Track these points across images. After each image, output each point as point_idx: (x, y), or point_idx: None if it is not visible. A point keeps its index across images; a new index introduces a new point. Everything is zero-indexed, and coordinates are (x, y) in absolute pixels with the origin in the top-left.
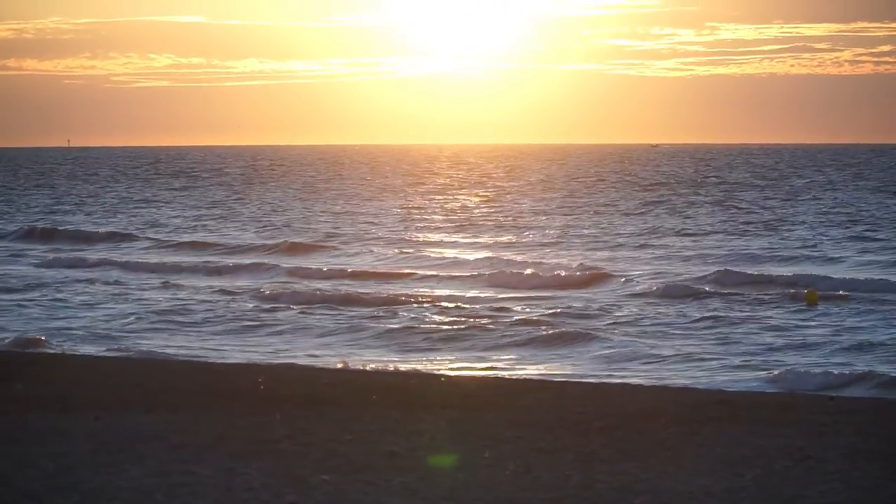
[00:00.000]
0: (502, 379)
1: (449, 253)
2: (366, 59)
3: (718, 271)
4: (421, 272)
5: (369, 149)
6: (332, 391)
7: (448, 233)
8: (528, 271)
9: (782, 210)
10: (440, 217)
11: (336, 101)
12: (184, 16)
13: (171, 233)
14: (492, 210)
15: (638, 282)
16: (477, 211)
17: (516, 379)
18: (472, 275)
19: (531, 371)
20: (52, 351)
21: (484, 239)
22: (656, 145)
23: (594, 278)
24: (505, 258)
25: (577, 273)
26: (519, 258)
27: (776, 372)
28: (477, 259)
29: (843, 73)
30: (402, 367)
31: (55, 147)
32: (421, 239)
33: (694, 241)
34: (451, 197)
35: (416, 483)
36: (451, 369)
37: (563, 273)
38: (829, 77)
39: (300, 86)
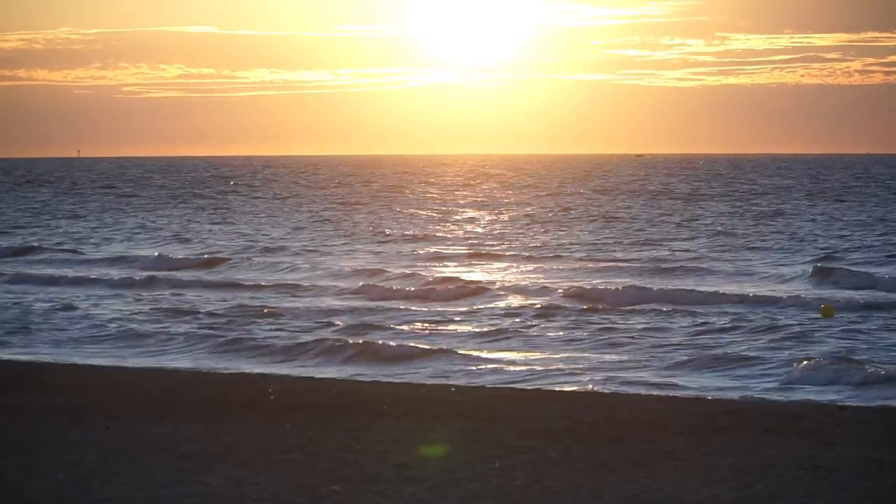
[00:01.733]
0: (512, 389)
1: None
2: (375, 70)
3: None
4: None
5: (384, 159)
6: (342, 401)
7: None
8: (396, 286)
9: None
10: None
11: (346, 111)
12: (194, 26)
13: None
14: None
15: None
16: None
17: (526, 389)
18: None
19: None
20: (62, 362)
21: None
22: (640, 155)
23: (470, 292)
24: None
25: (450, 287)
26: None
27: None
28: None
29: (854, 82)
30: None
31: (65, 157)
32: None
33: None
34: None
35: (426, 493)
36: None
37: (437, 287)
38: (840, 87)
39: (310, 96)
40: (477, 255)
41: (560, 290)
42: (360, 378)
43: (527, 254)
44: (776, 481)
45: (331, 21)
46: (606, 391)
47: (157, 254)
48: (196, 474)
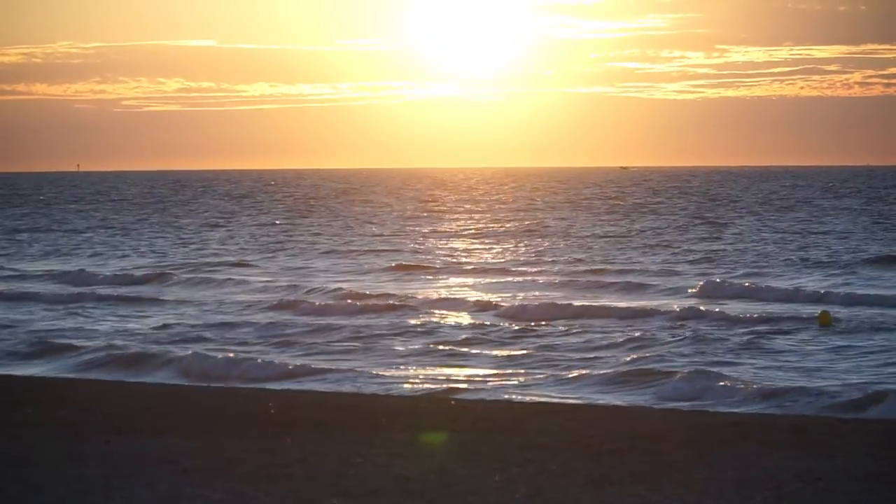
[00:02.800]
0: (513, 402)
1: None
2: (375, 83)
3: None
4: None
5: (384, 172)
6: (342, 415)
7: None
8: (317, 301)
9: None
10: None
11: (346, 125)
12: (194, 40)
13: None
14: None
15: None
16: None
17: (527, 402)
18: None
19: None
20: (62, 376)
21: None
22: (625, 168)
23: (389, 307)
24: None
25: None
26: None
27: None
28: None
29: (853, 94)
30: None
31: (65, 172)
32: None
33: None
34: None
35: None
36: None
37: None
38: (839, 99)
39: (310, 109)
40: (402, 268)
41: (468, 303)
42: (358, 392)
43: (455, 267)
44: (776, 494)
45: (330, 35)
46: (607, 404)
47: (78, 269)
48: (197, 488)
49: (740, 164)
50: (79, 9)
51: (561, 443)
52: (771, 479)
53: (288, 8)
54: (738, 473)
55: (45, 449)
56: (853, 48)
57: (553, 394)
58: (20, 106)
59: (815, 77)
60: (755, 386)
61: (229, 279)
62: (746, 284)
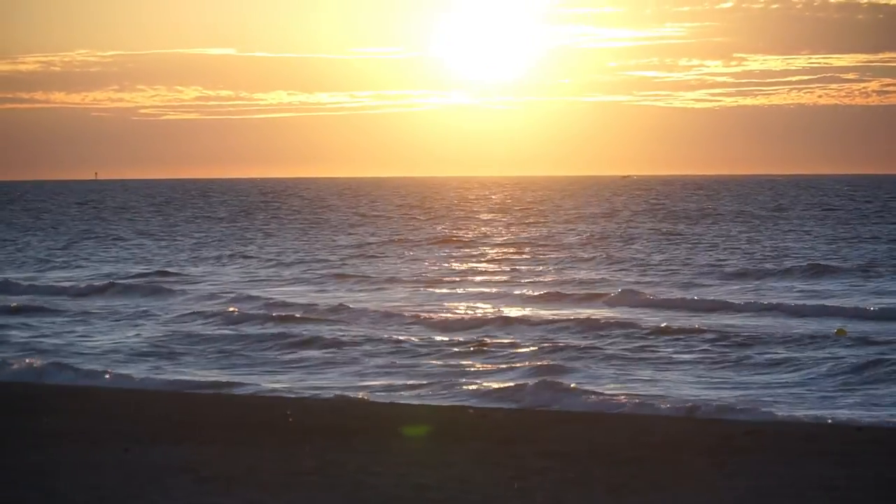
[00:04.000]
0: (531, 410)
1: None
2: (393, 92)
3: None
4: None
5: (410, 181)
6: (361, 423)
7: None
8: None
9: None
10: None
11: (364, 133)
12: (212, 48)
13: None
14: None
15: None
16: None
17: (545, 410)
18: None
19: None
20: (81, 384)
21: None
22: (627, 176)
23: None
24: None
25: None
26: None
27: None
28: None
29: (871, 103)
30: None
31: (83, 180)
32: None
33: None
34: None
35: None
36: None
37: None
38: (857, 107)
39: (328, 118)
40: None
41: (372, 313)
42: (376, 400)
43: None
44: (794, 502)
45: (348, 43)
46: (626, 412)
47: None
48: (215, 496)
49: (757, 173)
50: (97, 17)
51: (580, 451)
52: (789, 488)
53: (306, 17)
54: (756, 482)
55: (65, 457)
56: (871, 57)
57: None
58: (38, 114)
59: (833, 86)
60: (593, 396)
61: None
62: (664, 296)
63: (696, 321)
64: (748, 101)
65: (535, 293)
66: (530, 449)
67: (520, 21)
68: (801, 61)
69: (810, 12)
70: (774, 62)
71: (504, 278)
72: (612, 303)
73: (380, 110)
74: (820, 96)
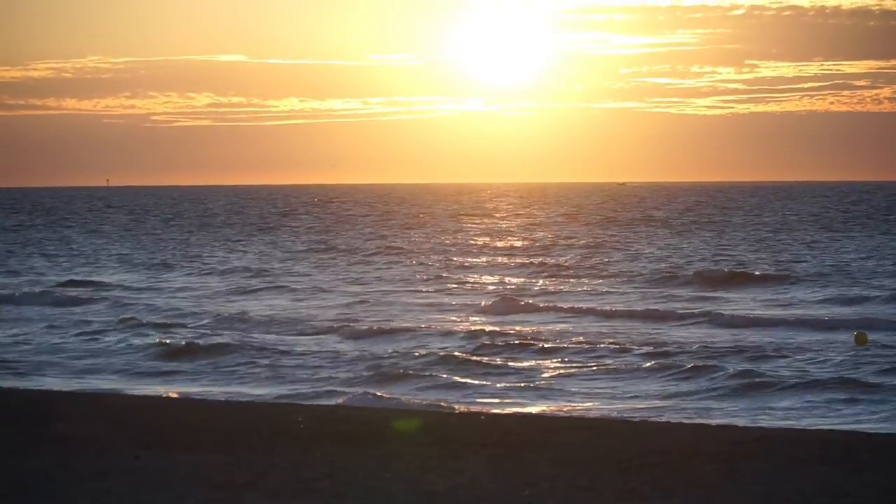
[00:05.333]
0: (542, 417)
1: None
2: (405, 98)
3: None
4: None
5: (420, 188)
6: (372, 429)
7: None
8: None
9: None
10: None
11: (376, 140)
12: (223, 54)
13: None
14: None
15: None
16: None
17: (556, 416)
18: None
19: None
20: (91, 390)
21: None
22: (623, 183)
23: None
24: None
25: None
26: None
27: None
28: None
29: (883, 109)
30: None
31: (94, 186)
32: None
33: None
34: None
35: None
36: None
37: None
38: (869, 114)
39: (340, 125)
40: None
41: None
42: (388, 406)
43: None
44: None
45: (360, 50)
46: (636, 419)
47: None
48: (226, 503)
49: (769, 179)
50: (108, 24)
51: (590, 457)
52: (799, 494)
53: (318, 23)
54: (766, 488)
55: (74, 463)
56: (883, 63)
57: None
58: (50, 121)
59: (845, 92)
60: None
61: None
62: (539, 302)
63: (558, 327)
64: (760, 108)
65: (419, 301)
66: (540, 455)
67: (532, 27)
68: (813, 68)
69: (822, 19)
70: (786, 69)
71: (431, 289)
72: (487, 310)
73: (392, 117)
74: (832, 103)
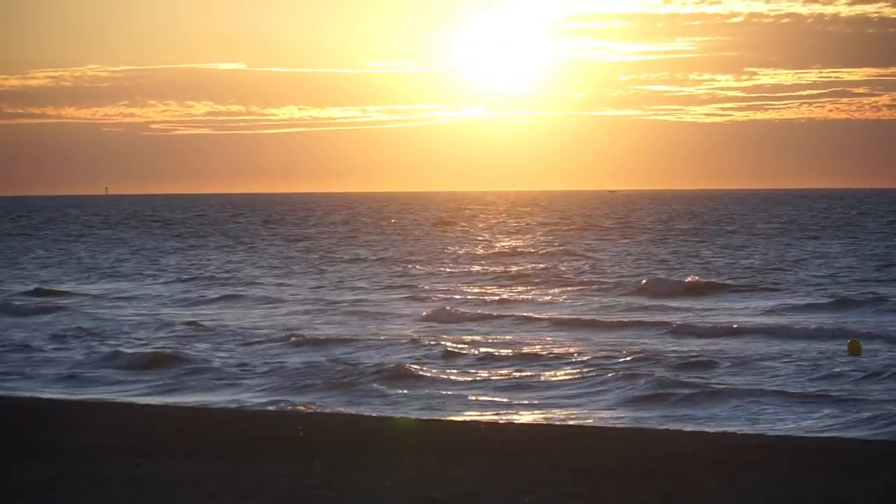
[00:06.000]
0: (542, 424)
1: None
2: (405, 106)
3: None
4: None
5: (423, 195)
6: (371, 438)
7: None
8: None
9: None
10: None
11: (375, 148)
12: (222, 63)
13: None
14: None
15: None
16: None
17: (556, 424)
18: None
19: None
20: (92, 399)
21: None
22: (614, 191)
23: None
24: None
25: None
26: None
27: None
28: None
29: (882, 117)
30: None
31: (93, 195)
32: None
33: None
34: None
35: None
36: None
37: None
38: (868, 121)
39: (339, 133)
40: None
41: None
42: (387, 415)
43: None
44: None
45: (359, 58)
46: (634, 427)
47: None
48: None
49: (767, 187)
50: (107, 32)
51: (590, 465)
52: (798, 500)
53: (317, 31)
54: (766, 495)
55: (75, 472)
56: (882, 70)
57: None
58: (49, 129)
59: (844, 100)
60: None
61: None
62: (479, 311)
63: (487, 336)
64: (759, 116)
65: (344, 310)
66: (540, 463)
67: (531, 35)
68: (811, 75)
69: (821, 26)
70: (785, 76)
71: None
72: (425, 318)
73: (392, 125)
74: (831, 110)
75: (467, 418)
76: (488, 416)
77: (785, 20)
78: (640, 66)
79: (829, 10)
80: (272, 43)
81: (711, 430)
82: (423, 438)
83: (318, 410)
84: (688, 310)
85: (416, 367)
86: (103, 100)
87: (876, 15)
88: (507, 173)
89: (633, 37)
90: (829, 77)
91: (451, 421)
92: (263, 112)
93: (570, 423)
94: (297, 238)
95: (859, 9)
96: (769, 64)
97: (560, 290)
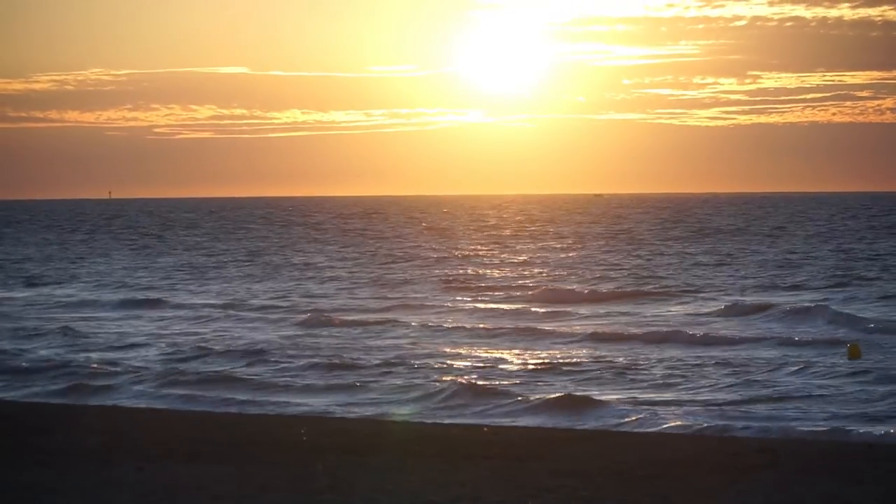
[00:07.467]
0: (545, 429)
1: None
2: (408, 110)
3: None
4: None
5: (422, 199)
6: (374, 441)
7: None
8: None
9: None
10: None
11: (379, 152)
12: (226, 66)
13: None
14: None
15: None
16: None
17: (559, 428)
18: None
19: None
20: (94, 403)
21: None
22: (599, 195)
23: None
24: None
25: None
26: None
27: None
28: None
29: (886, 120)
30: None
31: (96, 199)
32: None
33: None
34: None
35: None
36: None
37: None
38: (872, 125)
39: (342, 137)
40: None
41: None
42: (389, 419)
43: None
44: None
45: (362, 61)
46: (638, 431)
47: None
48: None
49: (771, 190)
50: (110, 36)
51: (592, 469)
52: None
53: (320, 35)
54: (768, 499)
55: (76, 475)
56: (886, 74)
57: None
58: (52, 133)
59: (848, 103)
60: None
61: None
62: (348, 318)
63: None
64: (762, 119)
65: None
66: (543, 467)
67: (534, 39)
68: (815, 79)
69: (824, 30)
70: (789, 80)
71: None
72: (304, 323)
73: (395, 129)
74: (834, 114)
75: (470, 422)
76: (490, 421)
77: (788, 24)
78: (643, 69)
79: (833, 13)
80: (275, 47)
81: (713, 434)
82: (426, 442)
83: (321, 415)
84: (601, 315)
85: (265, 368)
86: (107, 104)
87: (880, 18)
88: (510, 177)
89: (636, 40)
90: (833, 81)
91: (454, 425)
92: (267, 116)
93: (573, 427)
94: (263, 238)
95: (863, 12)
96: (773, 67)
97: (490, 294)
